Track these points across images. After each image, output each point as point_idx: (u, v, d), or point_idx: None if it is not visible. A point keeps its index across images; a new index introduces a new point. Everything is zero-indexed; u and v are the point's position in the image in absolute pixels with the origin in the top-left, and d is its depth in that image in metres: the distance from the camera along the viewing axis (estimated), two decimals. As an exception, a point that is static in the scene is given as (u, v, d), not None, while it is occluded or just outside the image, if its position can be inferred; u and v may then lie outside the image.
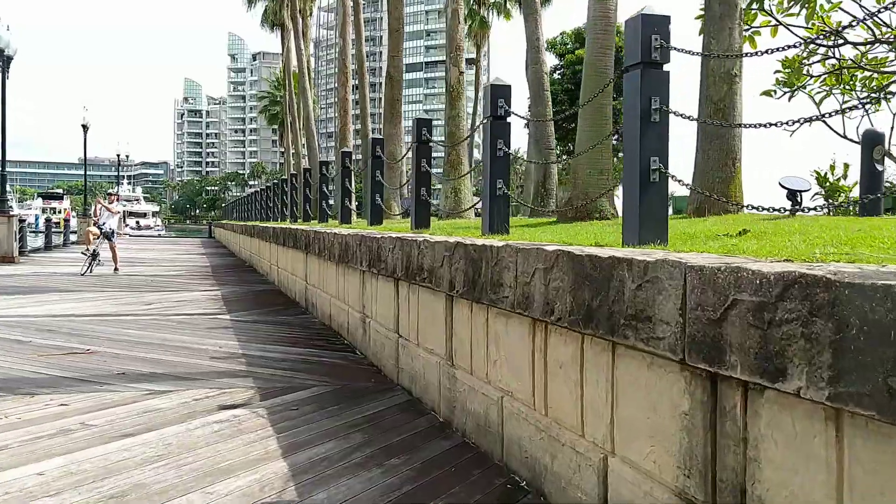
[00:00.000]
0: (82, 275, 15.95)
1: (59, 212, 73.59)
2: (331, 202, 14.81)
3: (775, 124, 3.44)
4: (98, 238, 16.86)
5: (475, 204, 12.90)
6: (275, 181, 24.25)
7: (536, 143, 11.20)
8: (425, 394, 5.27)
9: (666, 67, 3.69)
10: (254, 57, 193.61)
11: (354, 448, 4.24)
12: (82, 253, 16.67)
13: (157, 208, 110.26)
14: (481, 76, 42.14)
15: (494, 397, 4.06)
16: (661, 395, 2.57)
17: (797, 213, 6.82)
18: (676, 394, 2.48)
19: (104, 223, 16.79)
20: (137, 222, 78.93)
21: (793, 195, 6.43)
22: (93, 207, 19.69)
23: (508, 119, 5.54)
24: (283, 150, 49.71)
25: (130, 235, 55.69)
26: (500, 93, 5.47)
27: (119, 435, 4.39)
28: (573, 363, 3.19)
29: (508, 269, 3.66)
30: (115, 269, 16.88)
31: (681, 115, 3.78)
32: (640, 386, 2.69)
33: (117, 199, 17.30)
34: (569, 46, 35.82)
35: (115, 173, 64.69)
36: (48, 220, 36.07)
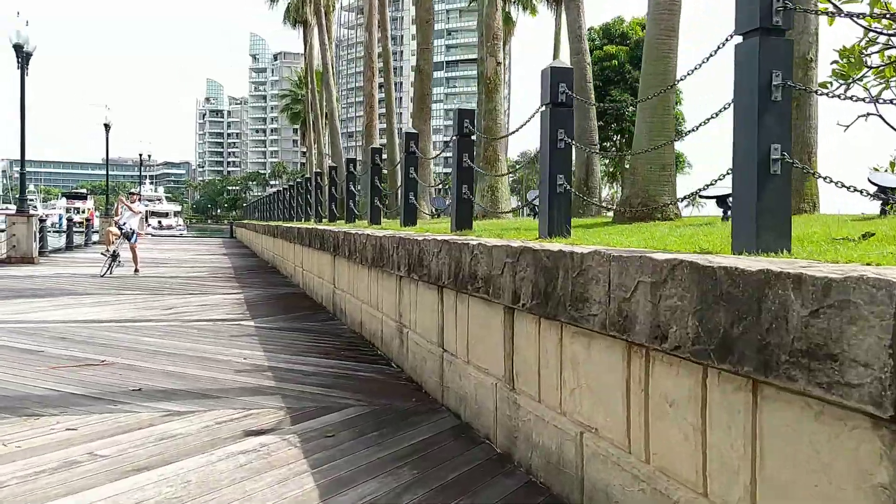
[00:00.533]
0: (102, 276, 15.51)
1: (83, 212, 73.88)
2: (358, 201, 14.23)
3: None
4: (118, 238, 16.42)
5: (530, 201, 12.01)
6: (297, 180, 23.76)
7: (578, 139, 10.53)
8: (477, 419, 4.64)
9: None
10: (275, 57, 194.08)
11: (404, 488, 3.62)
12: (102, 254, 16.24)
13: (178, 208, 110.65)
14: (504, 74, 41.34)
15: (571, 432, 3.42)
16: (839, 457, 1.92)
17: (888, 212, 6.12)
18: (869, 459, 1.83)
19: (125, 223, 16.35)
20: (160, 222, 79.09)
21: (884, 192, 5.69)
22: (114, 206, 19.28)
23: (571, 106, 4.89)
24: (304, 149, 49.36)
25: (152, 235, 55.68)
26: (562, 76, 4.79)
27: (132, 469, 3.80)
28: (690, 402, 2.55)
29: (597, 282, 3.02)
30: (136, 270, 16.43)
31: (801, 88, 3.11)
32: (803, 441, 2.04)
33: (139, 199, 16.85)
34: (596, 42, 35.05)
35: (138, 173, 64.64)
36: (70, 220, 35.91)
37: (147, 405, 5.07)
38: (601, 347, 3.15)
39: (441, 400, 5.31)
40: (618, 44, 33.73)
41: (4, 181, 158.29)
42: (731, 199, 5.79)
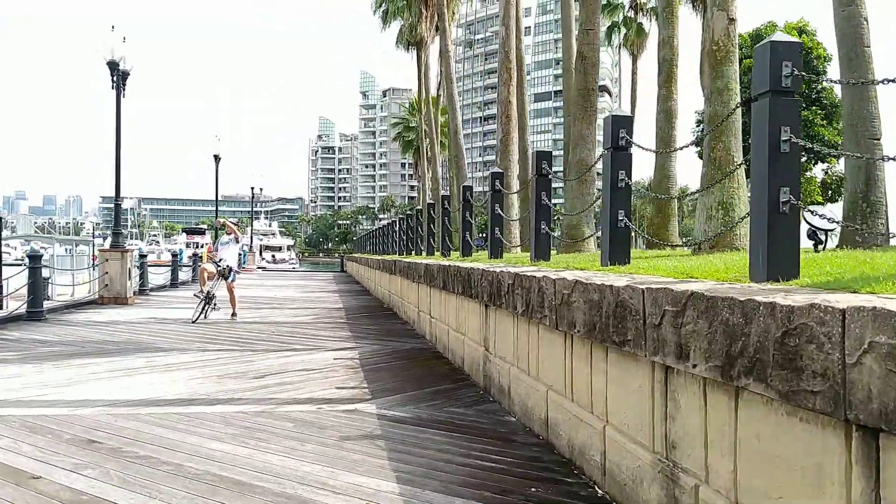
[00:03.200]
0: (193, 322, 13.13)
1: (201, 246, 74.90)
2: (474, 233, 11.35)
3: None
4: (215, 278, 14.06)
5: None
6: (408, 212, 21.13)
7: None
8: None
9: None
10: (384, 93, 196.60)
11: None
12: (195, 295, 13.90)
13: (291, 242, 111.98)
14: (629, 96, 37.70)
15: None
16: None
17: None
18: None
19: (221, 259, 13.97)
20: (273, 256, 79.43)
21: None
22: (209, 244, 17.07)
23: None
24: (417, 178, 47.03)
25: (265, 269, 54.88)
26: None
27: None
28: None
29: None
30: (233, 313, 14.00)
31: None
32: None
33: (238, 228, 14.49)
34: (744, 51, 31.11)
35: (252, 209, 64.65)
36: (194, 255, 34.76)
37: None
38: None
39: None
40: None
41: (133, 218, 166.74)
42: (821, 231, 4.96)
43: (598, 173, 10.87)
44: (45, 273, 14.45)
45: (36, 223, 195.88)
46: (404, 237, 20.75)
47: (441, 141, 37.02)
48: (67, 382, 7.25)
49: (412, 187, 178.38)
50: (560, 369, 4.80)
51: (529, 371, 5.55)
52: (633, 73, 36.93)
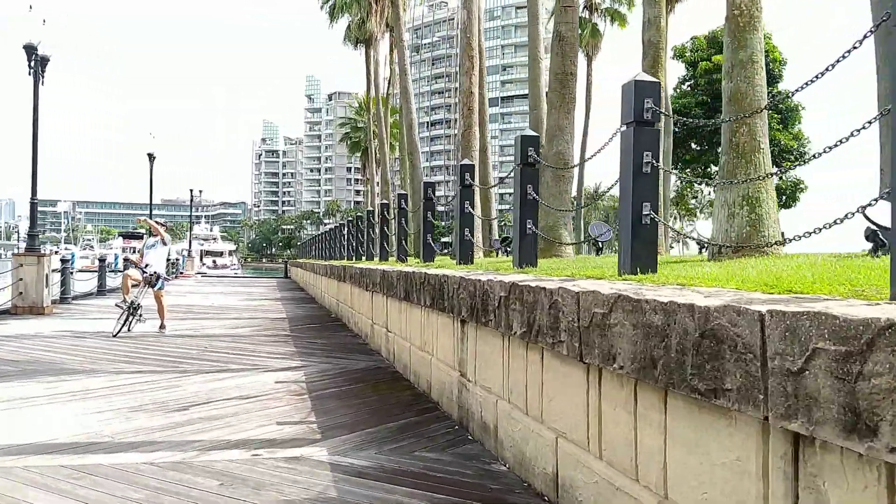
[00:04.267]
0: (114, 336, 11.55)
1: (136, 251, 71.70)
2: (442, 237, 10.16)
3: None
4: (140, 285, 12.49)
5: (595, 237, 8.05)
6: (358, 214, 19.79)
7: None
8: None
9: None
10: (329, 97, 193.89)
11: None
12: (117, 305, 12.28)
13: (234, 247, 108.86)
14: (592, 91, 36.94)
15: None
16: None
17: None
18: None
19: (147, 265, 12.40)
20: (214, 261, 76.85)
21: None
22: (137, 250, 15.44)
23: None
24: (362, 185, 45.49)
25: (205, 275, 52.62)
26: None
27: None
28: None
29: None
30: (161, 325, 12.44)
31: None
32: None
33: (165, 229, 12.93)
34: (702, 53, 30.56)
35: (193, 213, 62.23)
36: (126, 260, 32.72)
37: None
38: None
39: None
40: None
41: (67, 222, 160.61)
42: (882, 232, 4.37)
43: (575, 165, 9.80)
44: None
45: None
46: (353, 241, 19.39)
47: (390, 142, 35.64)
48: (-67, 420, 5.74)
49: (358, 192, 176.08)
50: (579, 413, 3.59)
51: (528, 409, 4.33)
52: (588, 75, 36.18)
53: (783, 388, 2.03)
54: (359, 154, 53.43)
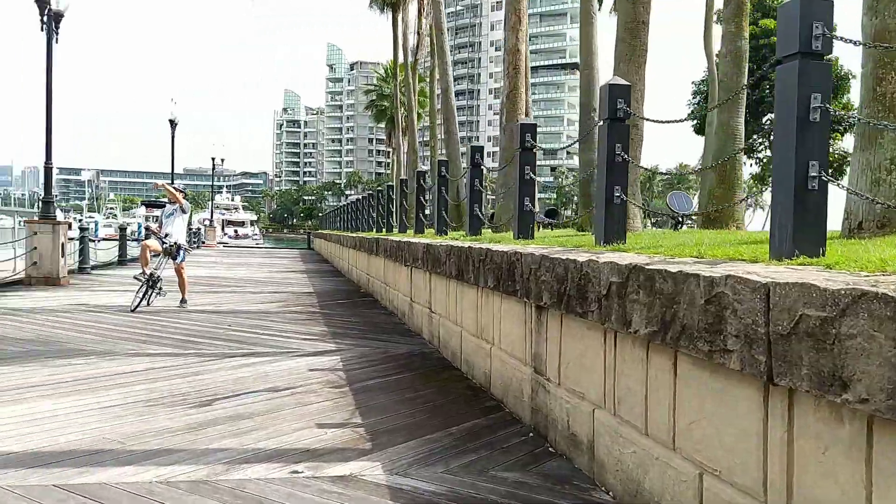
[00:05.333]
0: (132, 310, 10.73)
1: (156, 219, 71.55)
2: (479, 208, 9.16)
3: None
4: (160, 257, 11.64)
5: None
6: (389, 184, 18.76)
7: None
8: None
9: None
10: (351, 66, 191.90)
11: None
12: (136, 277, 11.44)
13: (255, 217, 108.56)
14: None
15: None
16: None
17: None
18: None
19: (167, 235, 11.53)
20: (236, 231, 76.74)
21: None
22: (156, 218, 14.64)
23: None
24: (392, 150, 44.22)
25: (227, 245, 52.10)
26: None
27: None
28: None
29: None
30: (182, 300, 11.63)
31: None
32: None
33: (183, 196, 12.03)
34: (749, 18, 29.08)
35: (215, 183, 61.65)
36: (147, 229, 32.26)
37: None
38: None
39: None
40: (776, 17, 27.64)
41: (90, 190, 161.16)
42: None
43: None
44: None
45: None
46: (383, 212, 18.42)
47: (417, 111, 34.38)
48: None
49: (379, 163, 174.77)
50: (751, 449, 2.60)
51: (647, 429, 3.35)
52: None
53: None
54: (383, 124, 52.26)
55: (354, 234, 18.67)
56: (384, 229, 17.57)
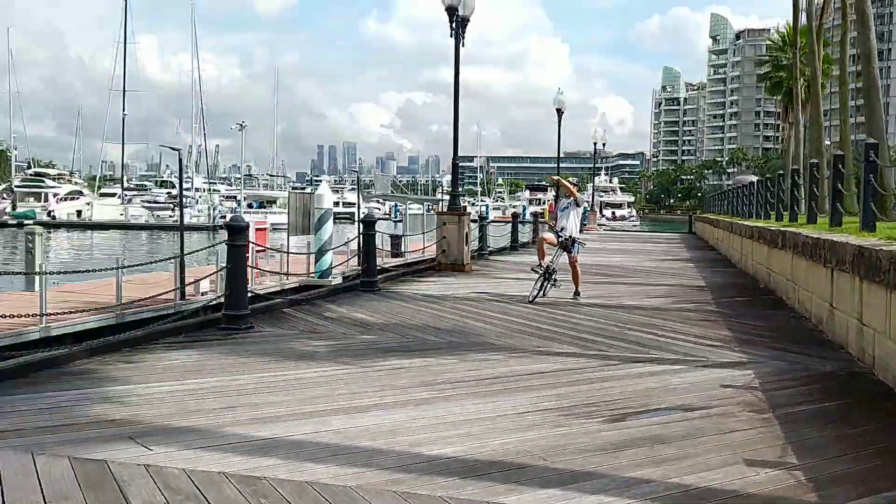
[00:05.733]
0: (530, 301, 11.16)
1: (543, 202, 75.52)
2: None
3: None
4: (555, 249, 11.93)
5: None
6: (794, 168, 16.85)
7: None
8: None
9: None
10: (737, 36, 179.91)
11: None
12: (533, 269, 11.90)
13: (632, 199, 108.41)
14: None
15: None
16: None
17: None
18: None
19: (562, 228, 11.77)
20: (613, 213, 77.57)
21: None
22: (552, 199, 15.05)
23: None
24: (788, 125, 40.26)
25: (603, 227, 52.88)
26: None
27: None
28: None
29: None
30: (576, 292, 11.80)
31: None
32: None
33: (578, 189, 12.15)
34: None
35: (594, 165, 62.94)
36: (534, 214, 34.28)
37: None
38: None
39: None
40: None
41: (481, 176, 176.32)
42: None
43: None
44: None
45: (401, 181, 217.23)
46: (783, 198, 16.71)
47: (822, 81, 30.49)
48: (355, 409, 5.48)
49: (767, 138, 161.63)
50: None
51: None
52: None
53: None
54: (776, 98, 47.79)
55: (750, 223, 17.26)
56: (784, 218, 15.93)
